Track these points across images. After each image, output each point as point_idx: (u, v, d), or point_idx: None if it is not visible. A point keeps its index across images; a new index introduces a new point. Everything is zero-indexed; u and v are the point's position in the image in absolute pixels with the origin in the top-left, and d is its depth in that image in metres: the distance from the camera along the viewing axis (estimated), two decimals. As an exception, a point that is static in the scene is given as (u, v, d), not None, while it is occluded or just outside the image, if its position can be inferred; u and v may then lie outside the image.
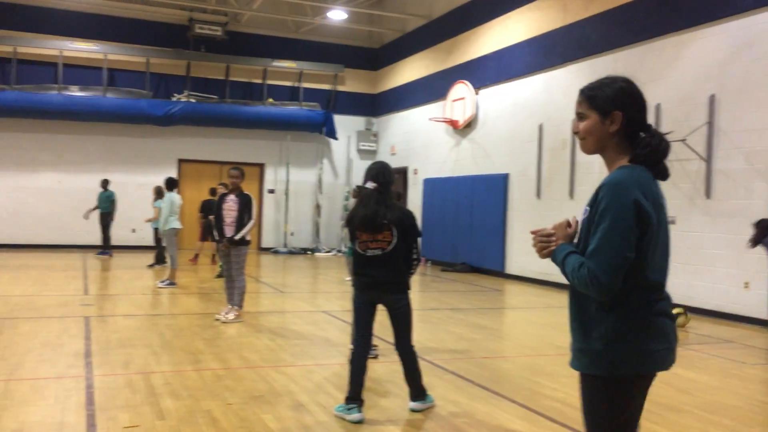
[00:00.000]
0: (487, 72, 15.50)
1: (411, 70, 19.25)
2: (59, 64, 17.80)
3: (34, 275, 12.35)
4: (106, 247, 16.27)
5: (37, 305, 9.08)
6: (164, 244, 12.65)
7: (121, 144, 18.74)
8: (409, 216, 4.87)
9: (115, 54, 18.34)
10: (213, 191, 14.54)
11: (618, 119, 2.39)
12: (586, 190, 11.52)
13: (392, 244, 4.72)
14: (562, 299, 2.78)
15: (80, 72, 18.24)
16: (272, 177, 20.38)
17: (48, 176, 18.20)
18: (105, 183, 16.45)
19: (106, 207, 16.20)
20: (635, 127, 2.41)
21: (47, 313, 8.54)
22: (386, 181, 4.84)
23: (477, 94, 15.84)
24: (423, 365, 5.15)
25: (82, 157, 18.44)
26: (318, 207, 20.62)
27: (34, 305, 9.07)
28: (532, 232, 2.56)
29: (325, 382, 5.70)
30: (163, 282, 11.38)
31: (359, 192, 6.42)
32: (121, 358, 6.26)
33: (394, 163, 18.37)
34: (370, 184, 4.81)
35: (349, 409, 4.67)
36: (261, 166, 20.27)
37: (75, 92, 18.00)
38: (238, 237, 8.20)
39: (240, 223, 8.23)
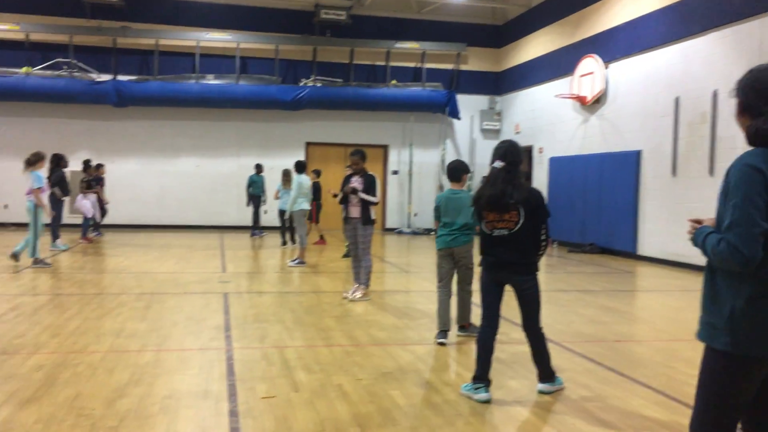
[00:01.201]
0: (617, 44, 14.81)
1: (536, 46, 18.74)
2: (196, 54, 18.82)
3: (177, 254, 13.23)
4: (256, 228, 17.13)
5: (181, 281, 9.72)
6: (294, 224, 13.15)
7: (252, 129, 19.61)
8: (537, 196, 4.77)
9: (246, 42, 19.13)
10: (318, 173, 15.01)
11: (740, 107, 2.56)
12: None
13: (519, 224, 4.65)
14: (701, 283, 2.69)
15: (215, 61, 19.21)
16: (396, 158, 20.59)
17: (187, 161, 19.38)
18: (259, 168, 17.26)
19: (258, 190, 17.02)
20: (752, 112, 2.50)
21: (190, 289, 9.13)
22: (514, 161, 4.76)
23: (606, 68, 15.18)
24: (551, 347, 5.06)
25: (217, 142, 19.47)
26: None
27: (178, 281, 9.73)
28: (691, 221, 2.67)
29: (451, 362, 5.73)
30: (293, 261, 11.84)
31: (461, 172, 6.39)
32: (258, 332, 6.59)
33: (519, 141, 18.01)
34: (498, 163, 4.75)
35: (476, 389, 4.67)
36: (385, 148, 20.52)
37: (211, 81, 18.97)
38: (362, 196, 8.31)
39: (364, 205, 8.38)
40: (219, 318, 7.23)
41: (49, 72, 18.25)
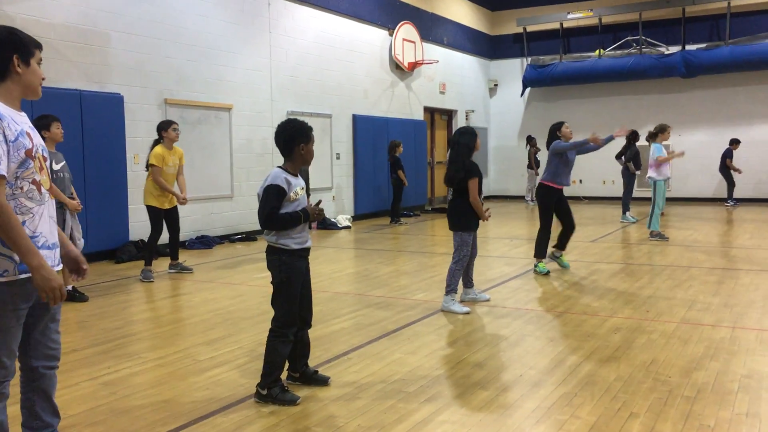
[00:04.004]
0: None
1: None
2: (774, 9, 17.03)
3: (749, 229, 12.34)
4: None
5: (756, 258, 9.04)
6: None
7: None
8: None
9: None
10: None
11: None
12: None
13: None
14: None
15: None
16: None
17: (761, 129, 17.76)
18: None
19: None
20: None
21: (767, 266, 8.42)
22: None
23: None
24: None
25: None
26: None
27: (752, 258, 9.07)
28: None
29: None
30: None
31: None
32: None
33: None
34: None
35: None
36: None
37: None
38: None
39: None
40: (804, 301, 6.47)
41: (619, 52, 19.06)
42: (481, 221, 6.42)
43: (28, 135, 2.81)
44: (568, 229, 8.21)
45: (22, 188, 2.77)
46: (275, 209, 3.95)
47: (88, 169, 9.19)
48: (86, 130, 9.23)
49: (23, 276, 2.77)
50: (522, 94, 20.71)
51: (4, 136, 2.68)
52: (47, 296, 2.73)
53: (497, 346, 5.15)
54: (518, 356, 4.90)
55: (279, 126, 4.14)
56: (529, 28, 20.43)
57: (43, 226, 2.86)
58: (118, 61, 9.85)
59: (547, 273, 8.01)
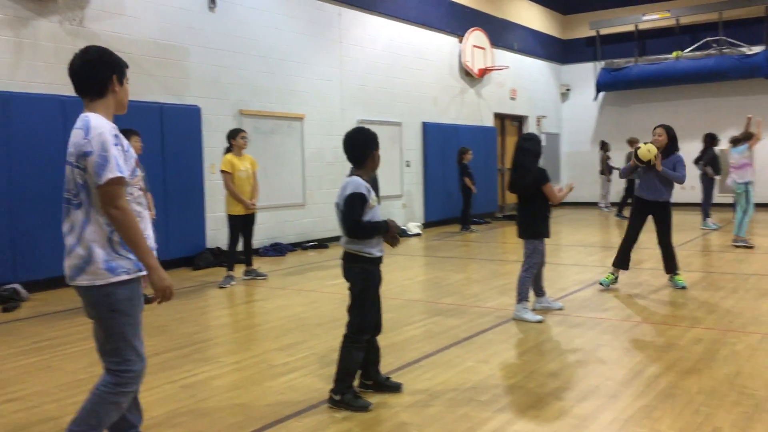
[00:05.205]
0: None
1: None
2: None
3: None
4: None
5: None
6: None
7: None
8: None
9: None
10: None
11: None
12: None
13: None
14: None
15: None
16: None
17: None
18: None
19: None
20: None
21: None
22: None
23: None
24: None
25: None
26: None
27: None
28: None
29: None
30: None
31: None
32: None
33: None
34: None
35: None
36: None
37: None
38: None
39: None
40: None
41: (698, 53, 18.43)
42: (551, 229, 6.32)
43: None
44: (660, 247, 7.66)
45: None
46: (361, 217, 4.01)
47: (167, 179, 9.52)
48: (166, 142, 9.57)
49: (142, 273, 3.01)
50: (595, 99, 20.28)
51: (122, 145, 2.94)
52: (160, 295, 2.98)
53: (571, 356, 5.05)
54: (593, 367, 4.79)
55: (350, 135, 4.17)
56: (603, 31, 20.01)
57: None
58: (196, 74, 10.18)
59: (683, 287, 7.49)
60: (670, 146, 7.43)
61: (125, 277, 2.94)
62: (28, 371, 4.91)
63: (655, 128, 7.62)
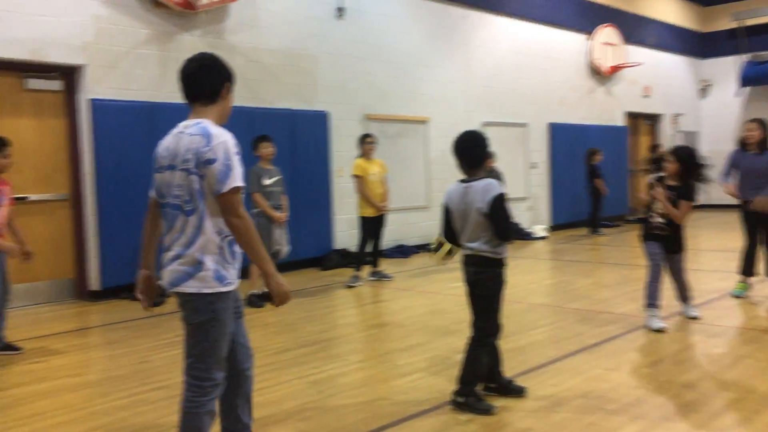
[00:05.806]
0: None
1: None
2: None
3: None
4: None
5: None
6: None
7: None
8: None
9: None
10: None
11: None
12: None
13: None
14: None
15: None
16: None
17: None
18: None
19: None
20: None
21: None
22: None
23: None
24: None
25: None
26: None
27: None
28: None
29: None
30: None
31: None
32: None
33: None
34: None
35: None
36: None
37: None
38: None
39: None
40: None
41: None
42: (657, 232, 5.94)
43: None
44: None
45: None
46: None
47: (297, 182, 9.89)
48: (297, 146, 9.95)
49: (237, 282, 3.05)
50: (738, 94, 18.98)
51: (239, 154, 2.94)
52: (279, 301, 2.98)
53: (710, 367, 4.77)
54: (735, 379, 4.49)
55: (466, 139, 4.11)
56: (747, 22, 18.69)
57: None
58: (325, 80, 10.51)
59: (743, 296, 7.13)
60: (765, 141, 6.89)
61: (231, 288, 2.95)
62: (174, 362, 5.22)
63: (747, 122, 7.08)
